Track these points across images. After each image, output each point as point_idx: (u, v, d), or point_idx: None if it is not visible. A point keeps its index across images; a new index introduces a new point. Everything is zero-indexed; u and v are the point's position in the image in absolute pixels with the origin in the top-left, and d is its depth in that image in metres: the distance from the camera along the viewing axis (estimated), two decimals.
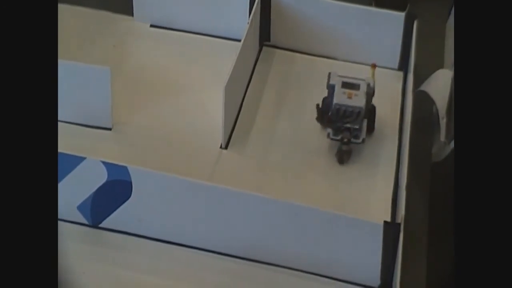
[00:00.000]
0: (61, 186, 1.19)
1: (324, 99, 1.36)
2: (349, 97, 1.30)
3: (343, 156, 1.33)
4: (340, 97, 1.30)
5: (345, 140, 1.31)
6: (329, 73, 1.35)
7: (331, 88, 1.33)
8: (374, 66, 1.37)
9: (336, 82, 1.32)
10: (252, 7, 1.48)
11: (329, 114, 1.32)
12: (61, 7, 1.59)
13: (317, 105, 1.35)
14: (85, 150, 1.21)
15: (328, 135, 1.33)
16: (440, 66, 1.49)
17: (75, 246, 1.19)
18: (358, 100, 1.30)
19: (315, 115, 1.36)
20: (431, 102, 1.40)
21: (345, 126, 1.31)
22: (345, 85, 1.32)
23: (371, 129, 1.36)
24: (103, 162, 1.17)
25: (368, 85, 1.33)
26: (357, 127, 1.31)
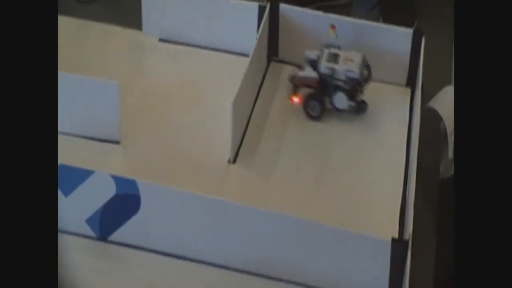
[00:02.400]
0: (70, 199, 1.19)
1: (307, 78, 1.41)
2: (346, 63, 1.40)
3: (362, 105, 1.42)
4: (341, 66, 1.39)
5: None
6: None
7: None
8: (333, 26, 1.44)
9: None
10: (260, 23, 1.48)
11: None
12: (71, 21, 1.61)
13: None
14: (93, 163, 1.22)
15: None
16: (448, 82, 1.49)
17: (83, 259, 1.19)
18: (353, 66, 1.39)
19: (322, 129, 1.37)
20: (439, 118, 1.40)
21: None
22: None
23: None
24: (112, 176, 1.18)
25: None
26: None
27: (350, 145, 1.41)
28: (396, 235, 1.21)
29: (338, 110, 1.41)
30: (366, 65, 1.42)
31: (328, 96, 1.41)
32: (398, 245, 1.12)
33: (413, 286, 1.10)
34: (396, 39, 1.49)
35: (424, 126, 1.35)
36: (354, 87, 1.40)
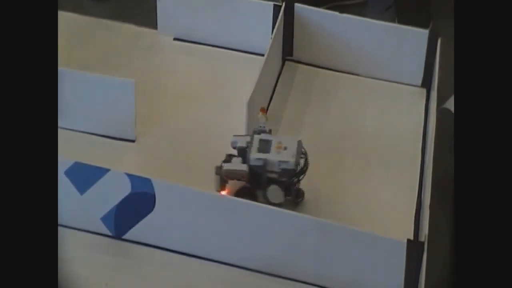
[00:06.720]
0: (85, 197, 1.19)
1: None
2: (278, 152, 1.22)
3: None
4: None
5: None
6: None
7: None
8: (263, 110, 1.29)
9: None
10: (275, 22, 1.48)
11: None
12: (86, 20, 1.62)
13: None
14: (109, 161, 1.22)
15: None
16: None
17: (98, 257, 1.19)
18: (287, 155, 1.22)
19: (337, 130, 1.37)
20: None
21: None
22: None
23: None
24: (127, 174, 1.18)
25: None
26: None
27: (365, 146, 1.40)
28: (411, 237, 1.21)
29: (273, 204, 1.21)
30: (302, 153, 1.24)
31: (261, 190, 1.22)
32: (413, 246, 1.12)
33: (428, 287, 1.10)
34: (411, 39, 1.48)
35: (439, 127, 1.34)
36: (290, 179, 1.22)
